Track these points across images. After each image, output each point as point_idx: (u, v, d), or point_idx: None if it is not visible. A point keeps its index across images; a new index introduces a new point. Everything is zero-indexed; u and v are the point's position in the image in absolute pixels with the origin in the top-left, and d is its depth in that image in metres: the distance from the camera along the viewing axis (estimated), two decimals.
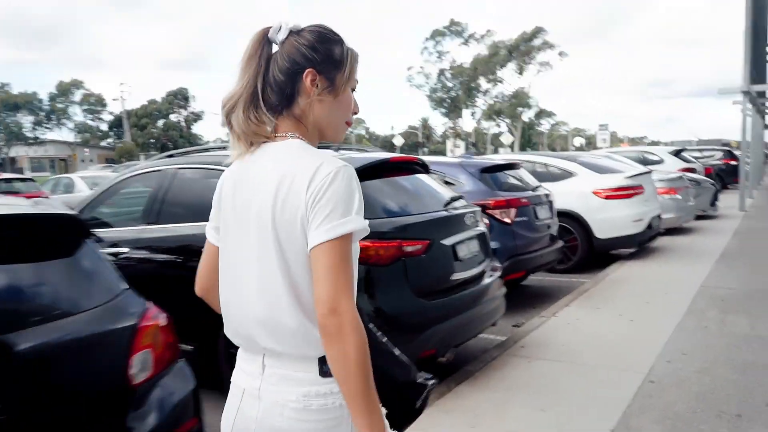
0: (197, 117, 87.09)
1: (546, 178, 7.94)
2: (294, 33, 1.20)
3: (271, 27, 1.20)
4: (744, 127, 14.28)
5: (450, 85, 58.33)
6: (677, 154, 14.82)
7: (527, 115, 54.02)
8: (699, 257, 7.72)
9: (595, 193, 7.65)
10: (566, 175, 7.96)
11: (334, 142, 1.30)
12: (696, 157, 18.50)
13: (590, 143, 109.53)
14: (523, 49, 50.59)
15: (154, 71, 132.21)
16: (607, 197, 7.61)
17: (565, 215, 7.69)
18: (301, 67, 1.17)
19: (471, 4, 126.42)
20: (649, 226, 7.80)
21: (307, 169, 1.09)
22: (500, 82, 51.50)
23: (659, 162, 14.26)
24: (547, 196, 6.47)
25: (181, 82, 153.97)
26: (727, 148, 22.27)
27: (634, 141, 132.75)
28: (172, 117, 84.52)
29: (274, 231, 1.11)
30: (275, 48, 1.20)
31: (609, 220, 7.56)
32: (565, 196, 7.70)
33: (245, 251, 1.16)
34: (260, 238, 1.13)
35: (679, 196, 9.51)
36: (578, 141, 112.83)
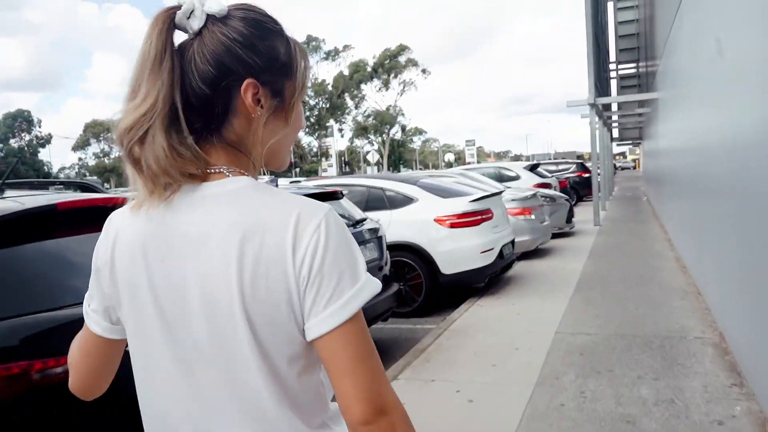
0: (44, 142, 79.49)
1: (383, 204, 6.73)
2: (215, 19, 0.84)
3: (176, 8, 0.83)
4: (593, 140, 14.28)
5: (312, 102, 57.25)
6: (533, 169, 14.50)
7: (395, 133, 53.88)
8: (554, 289, 6.82)
9: (437, 220, 6.51)
10: (406, 200, 6.77)
11: (278, 170, 0.98)
12: (551, 171, 18.59)
13: (459, 158, 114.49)
14: (387, 66, 50.53)
15: None
16: (452, 225, 6.51)
17: (406, 248, 6.51)
18: (236, 75, 0.84)
19: (329, 21, 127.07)
20: (501, 256, 6.80)
21: (282, 225, 0.80)
22: (363, 99, 50.93)
23: (516, 178, 13.81)
24: (374, 231, 5.19)
25: (25, 103, 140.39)
26: (580, 161, 22.93)
27: (498, 155, 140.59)
28: (13, 142, 76.50)
29: (245, 320, 0.80)
30: (188, 41, 0.84)
31: (455, 252, 6.46)
32: (406, 225, 6.52)
33: (189, 352, 0.85)
34: (218, 332, 0.82)
35: (533, 216, 8.73)
36: (449, 156, 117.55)
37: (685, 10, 6.48)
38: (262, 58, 0.85)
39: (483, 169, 13.52)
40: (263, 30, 0.87)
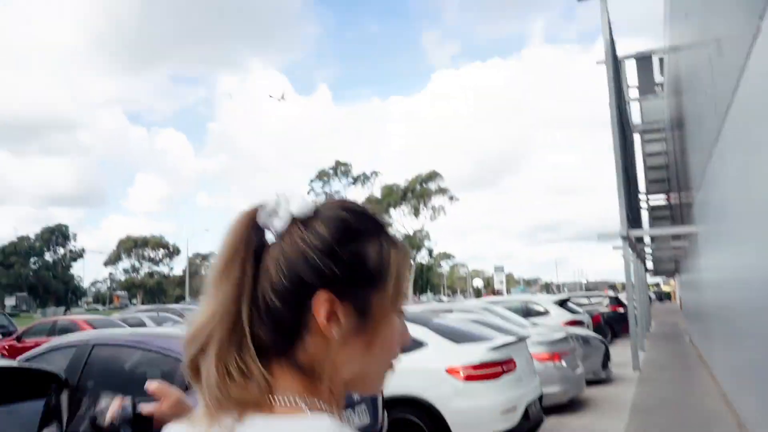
0: (77, 256, 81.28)
1: None
2: (300, 220, 0.74)
3: (261, 207, 0.74)
4: (627, 274, 13.34)
5: None
6: (563, 303, 13.45)
7: (422, 257, 53.43)
8: None
9: (450, 371, 5.55)
10: (414, 344, 5.86)
11: (369, 394, 0.60)
12: (583, 305, 17.46)
13: (488, 284, 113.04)
14: (418, 191, 51.18)
15: (39, 207, 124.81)
16: (467, 378, 5.52)
17: (411, 403, 5.51)
18: (310, 287, 0.71)
19: (354, 148, 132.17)
20: (526, 416, 5.71)
21: None
22: (390, 225, 51.38)
23: (544, 313, 12.77)
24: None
25: (67, 218, 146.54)
26: (614, 295, 21.75)
27: (528, 282, 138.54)
28: (47, 256, 78.29)
29: None
30: (270, 245, 0.73)
31: (470, 411, 5.42)
32: (412, 375, 5.56)
33: None
34: None
35: (564, 363, 7.65)
36: (477, 282, 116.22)
37: (727, 143, 5.86)
38: (342, 266, 0.71)
39: (509, 303, 12.54)
40: (350, 232, 0.73)
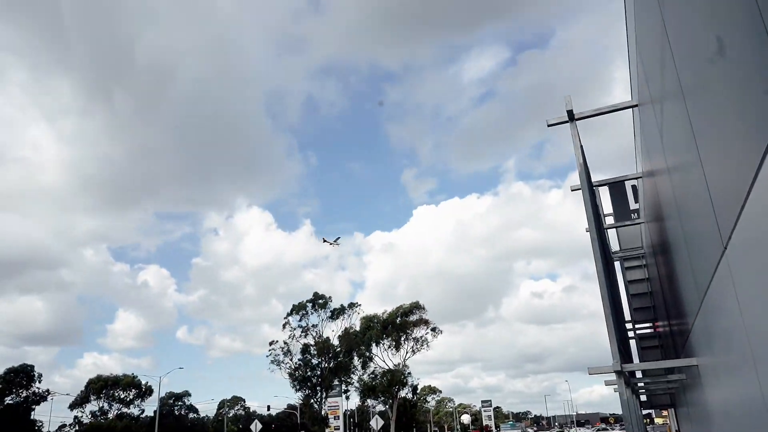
0: (41, 398, 75.87)
1: None
2: None
3: None
4: (625, 409, 12.09)
5: (315, 362, 54.81)
6: None
7: (405, 393, 50.57)
8: None
9: None
10: None
11: None
12: None
13: (477, 420, 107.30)
14: (399, 323, 49.47)
15: (12, 346, 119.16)
16: None
17: None
18: None
19: (336, 282, 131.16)
20: None
21: None
22: (370, 359, 48.75)
23: None
24: None
25: (39, 357, 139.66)
26: (606, 427, 20.02)
27: (517, 417, 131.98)
28: (8, 399, 72.96)
29: None
30: None
31: None
32: None
33: None
34: None
35: None
36: (465, 417, 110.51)
37: (728, 268, 5.18)
38: None
39: None
40: None
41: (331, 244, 65.20)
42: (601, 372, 12.09)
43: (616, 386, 11.48)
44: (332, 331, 54.65)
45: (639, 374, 18.95)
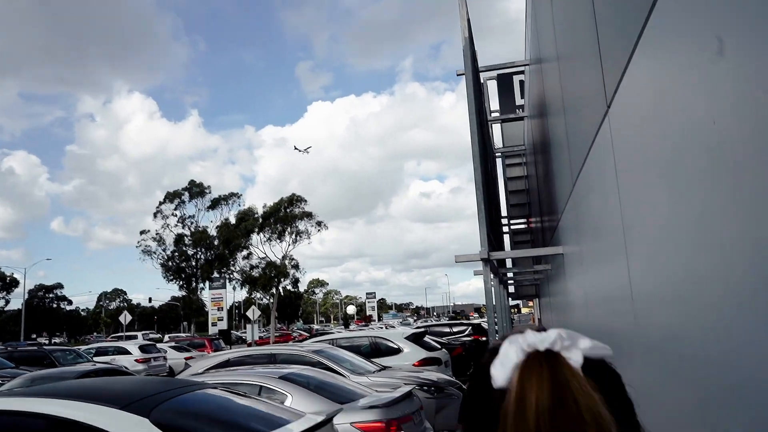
0: None
1: None
2: None
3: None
4: (488, 296, 11.90)
5: (191, 252, 53.07)
6: (417, 339, 11.68)
7: (287, 284, 50.29)
8: None
9: None
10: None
11: None
12: (444, 334, 15.99)
13: (362, 310, 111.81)
14: (280, 216, 47.87)
15: None
16: None
17: None
18: None
19: (223, 175, 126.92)
20: None
21: None
22: (246, 250, 47.32)
23: (397, 351, 10.90)
24: None
25: None
26: (477, 322, 20.66)
27: (399, 308, 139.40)
28: None
29: None
30: None
31: None
32: None
33: None
34: None
35: None
36: (351, 309, 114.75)
37: (595, 166, 4.29)
38: None
39: (355, 340, 10.56)
40: None
41: (301, 151, 61.92)
42: (468, 260, 11.63)
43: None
44: (211, 222, 52.68)
45: (509, 264, 19.34)
